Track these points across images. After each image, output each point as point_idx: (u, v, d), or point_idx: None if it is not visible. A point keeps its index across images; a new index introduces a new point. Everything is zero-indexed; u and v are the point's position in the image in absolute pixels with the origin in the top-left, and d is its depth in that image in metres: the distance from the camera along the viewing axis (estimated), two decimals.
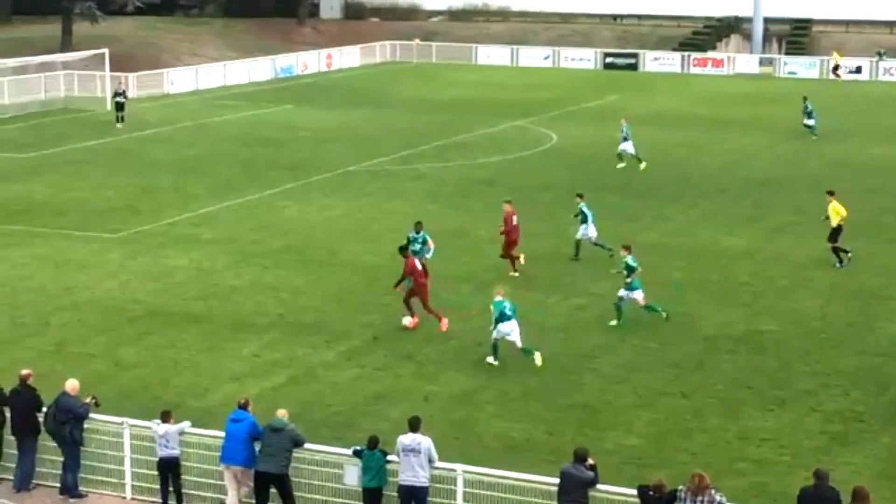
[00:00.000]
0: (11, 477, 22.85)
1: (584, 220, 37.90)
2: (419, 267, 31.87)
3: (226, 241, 39.77)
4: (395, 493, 20.75)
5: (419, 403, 25.99)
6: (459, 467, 20.71)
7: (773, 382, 27.84)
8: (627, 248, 32.26)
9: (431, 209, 44.57)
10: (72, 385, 22.61)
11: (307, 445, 21.49)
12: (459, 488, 20.55)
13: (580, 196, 38.44)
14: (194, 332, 30.96)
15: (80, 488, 22.53)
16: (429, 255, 33.91)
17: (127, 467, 22.53)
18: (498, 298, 28.85)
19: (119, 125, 62.71)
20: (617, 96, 77.20)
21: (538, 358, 28.64)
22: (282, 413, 21.63)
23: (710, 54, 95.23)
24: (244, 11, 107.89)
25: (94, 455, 22.58)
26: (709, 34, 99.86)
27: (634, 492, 19.47)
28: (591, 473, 19.74)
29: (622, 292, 31.74)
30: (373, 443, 20.96)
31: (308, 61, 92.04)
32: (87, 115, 67.98)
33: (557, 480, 19.81)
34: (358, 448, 21.12)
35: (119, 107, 63.59)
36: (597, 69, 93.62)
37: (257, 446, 21.34)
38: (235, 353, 29.48)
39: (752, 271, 36.96)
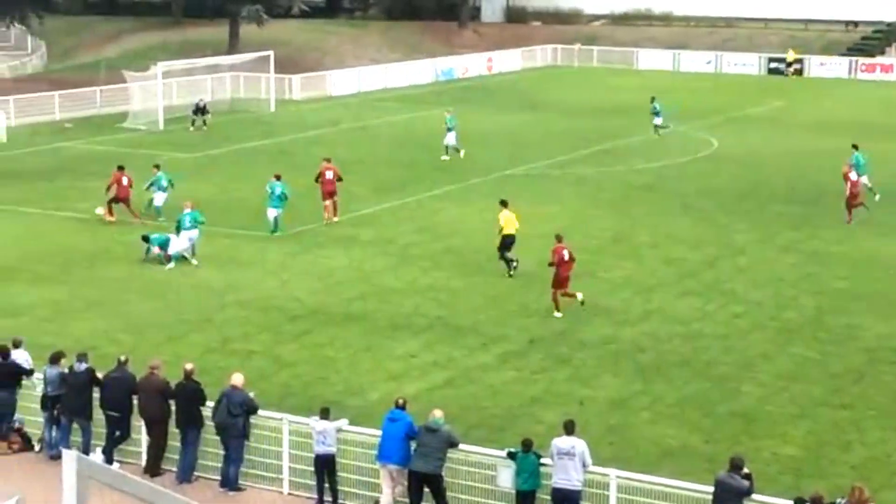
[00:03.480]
0: (175, 468, 23.45)
1: None
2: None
3: (385, 242, 40.19)
4: (549, 496, 20.79)
5: (574, 407, 25.97)
6: (613, 472, 20.66)
7: None
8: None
9: (590, 214, 44.47)
10: (240, 379, 23.13)
11: (462, 446, 21.64)
12: (613, 493, 20.50)
13: None
14: (353, 332, 31.36)
15: (240, 482, 23.01)
16: None
17: (285, 463, 22.94)
18: None
19: (191, 129, 63.61)
20: (781, 102, 76.02)
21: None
22: (438, 413, 21.80)
23: (879, 59, 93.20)
24: (406, 14, 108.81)
25: (253, 450, 23.04)
26: (878, 39, 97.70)
27: (791, 503, 19.21)
28: (746, 483, 19.54)
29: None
30: (527, 445, 21.02)
31: (469, 64, 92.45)
32: (251, 115, 69.27)
33: (712, 488, 19.64)
34: (512, 450, 21.19)
35: (200, 111, 64.61)
36: (760, 74, 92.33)
37: (413, 446, 21.55)
38: (393, 354, 29.79)
39: None
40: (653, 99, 62.93)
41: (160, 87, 65.81)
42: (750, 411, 26.33)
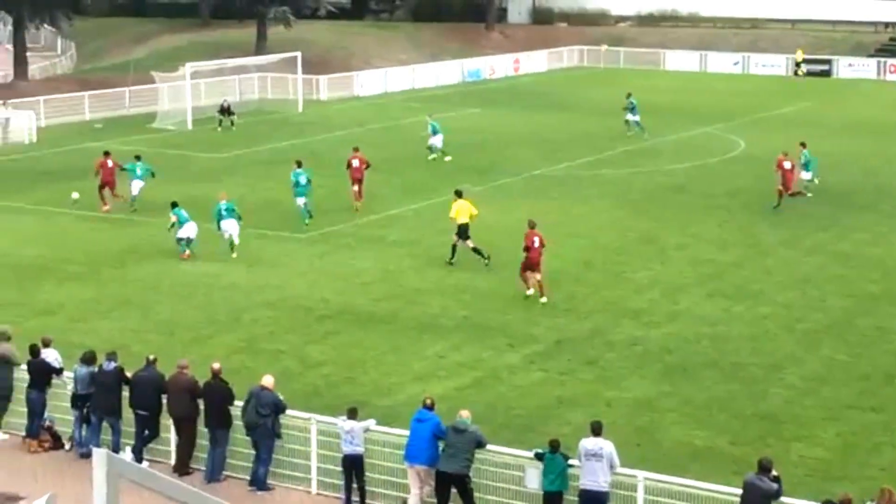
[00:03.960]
0: (203, 467, 23.54)
1: None
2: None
3: (411, 243, 40.23)
4: (576, 498, 20.78)
5: (601, 408, 25.96)
6: (641, 474, 20.64)
7: None
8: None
9: (618, 215, 44.42)
10: (269, 380, 23.23)
11: (489, 447, 21.65)
12: (640, 495, 20.48)
13: None
14: (380, 332, 31.42)
15: (268, 482, 23.08)
16: None
17: (313, 463, 23.00)
18: None
19: (218, 129, 63.90)
20: (809, 103, 75.78)
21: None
22: (465, 414, 21.83)
23: None
24: (433, 16, 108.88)
25: (281, 450, 23.12)
26: None
27: None
28: (774, 485, 19.49)
29: None
30: (554, 446, 21.02)
31: (496, 65, 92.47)
32: (279, 116, 69.44)
33: (740, 491, 19.61)
34: (540, 451, 21.19)
35: (225, 111, 64.90)
36: (788, 75, 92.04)
37: (440, 446, 21.58)
38: (420, 354, 29.83)
39: None
40: (629, 95, 63.03)
41: (189, 88, 66.10)
42: (778, 413, 26.27)
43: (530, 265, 34.10)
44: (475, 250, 37.11)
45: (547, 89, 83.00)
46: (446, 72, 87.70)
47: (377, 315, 32.85)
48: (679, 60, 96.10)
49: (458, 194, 38.20)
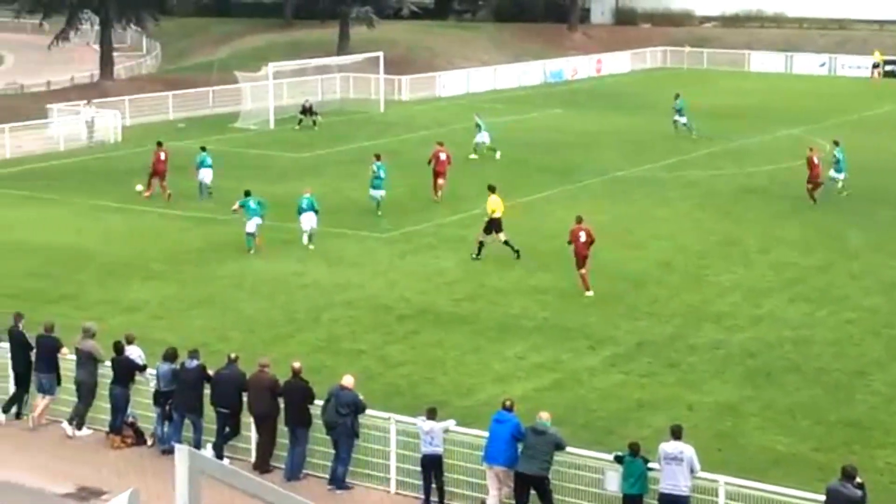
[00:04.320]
0: (283, 466, 23.66)
1: None
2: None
3: (493, 244, 40.06)
4: (656, 501, 20.64)
5: (682, 412, 25.76)
6: (722, 479, 20.47)
7: None
8: None
9: (700, 217, 44.10)
10: (349, 380, 23.29)
11: (568, 449, 21.57)
12: (721, 500, 20.31)
13: None
14: (461, 333, 31.40)
15: (347, 481, 23.14)
16: None
17: (392, 462, 23.03)
18: None
19: (297, 128, 64.37)
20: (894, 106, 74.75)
21: None
22: (545, 416, 21.76)
23: None
24: (515, 16, 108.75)
25: (361, 449, 23.17)
26: None
27: None
28: (859, 492, 19.23)
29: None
30: (634, 449, 20.89)
31: (578, 66, 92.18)
32: (361, 116, 69.67)
33: (823, 498, 19.36)
34: (619, 454, 21.08)
35: (307, 111, 65.41)
36: (875, 77, 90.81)
37: (519, 447, 21.52)
38: (501, 355, 29.77)
39: None
40: (677, 96, 62.73)
41: (271, 88, 66.51)
42: (863, 420, 25.91)
43: (578, 261, 34.62)
44: (506, 243, 37.80)
45: (630, 90, 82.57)
46: (528, 72, 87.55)
47: (458, 315, 32.84)
48: (764, 61, 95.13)
49: (492, 189, 38.97)
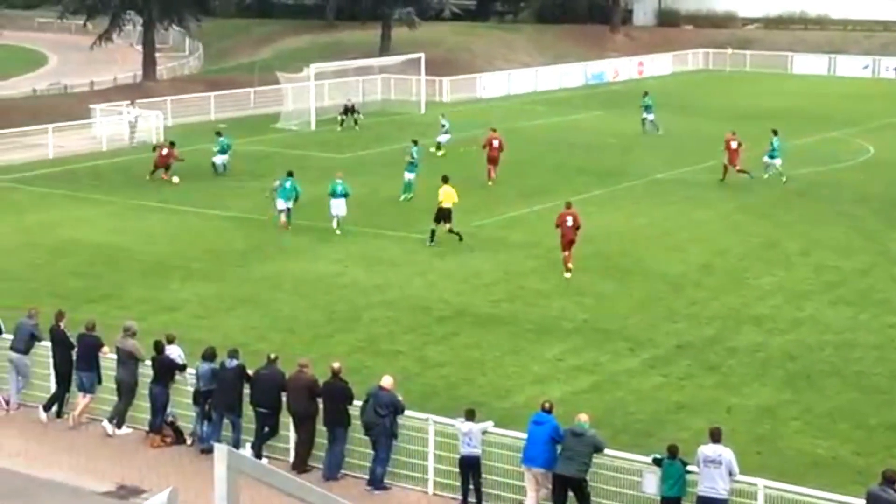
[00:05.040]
0: (321, 466, 23.72)
1: None
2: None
3: (532, 245, 40.13)
4: None
5: (721, 415, 25.67)
6: (761, 482, 20.38)
7: None
8: None
9: (740, 220, 43.92)
10: (389, 381, 23.34)
11: (607, 451, 21.53)
12: (760, 503, 20.22)
13: None
14: (499, 334, 31.39)
15: (386, 481, 23.17)
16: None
17: (430, 463, 23.05)
18: None
19: (339, 129, 64.56)
20: None
21: None
22: (583, 418, 21.73)
23: None
24: (557, 18, 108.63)
25: (399, 450, 23.20)
26: None
27: None
28: None
29: None
30: (673, 452, 20.84)
31: (619, 68, 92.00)
32: (402, 117, 69.77)
33: (863, 502, 19.26)
34: (658, 456, 21.03)
35: (349, 111, 65.66)
36: None
37: (558, 449, 21.50)
38: (539, 356, 29.75)
39: None
40: (645, 94, 63.19)
41: (312, 89, 66.71)
42: None
43: (564, 244, 36.34)
44: (451, 231, 39.64)
45: (671, 92, 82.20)
46: (569, 74, 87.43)
47: (497, 317, 32.84)
48: (807, 64, 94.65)
49: (445, 180, 40.97)
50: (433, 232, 39.73)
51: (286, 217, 41.98)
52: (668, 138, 62.20)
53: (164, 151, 51.46)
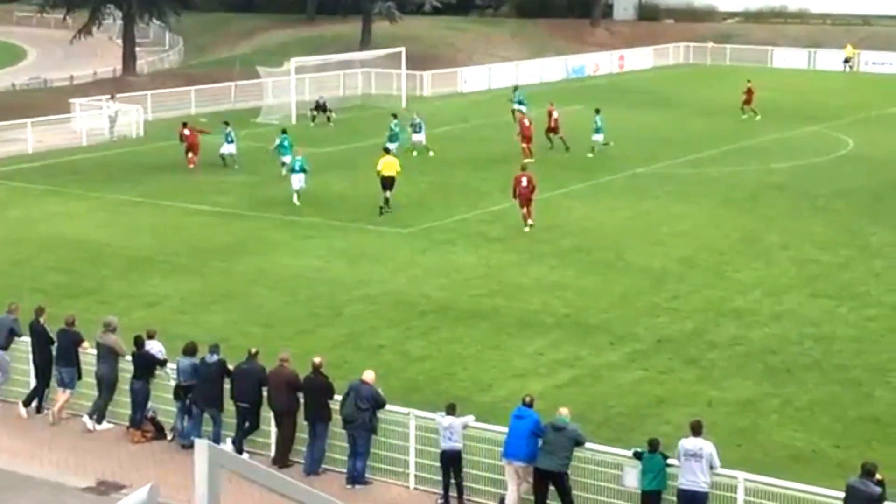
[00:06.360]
0: (302, 460, 23.72)
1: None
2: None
3: (513, 239, 40.18)
4: (675, 498, 20.65)
5: (702, 408, 25.75)
6: (741, 475, 20.47)
7: None
8: None
9: (721, 214, 44.02)
10: (371, 375, 23.36)
11: (587, 445, 21.60)
12: (740, 496, 20.32)
13: None
14: (481, 329, 31.42)
15: (367, 476, 23.19)
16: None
17: (411, 458, 23.09)
18: None
19: (311, 125, 63.97)
20: None
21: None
22: (564, 412, 21.80)
23: None
24: (538, 12, 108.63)
25: (380, 444, 23.23)
26: None
27: None
28: (878, 489, 19.22)
29: None
30: (654, 445, 20.91)
31: (600, 62, 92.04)
32: (382, 111, 69.60)
33: (843, 494, 19.35)
34: (638, 450, 21.10)
35: (320, 108, 65.25)
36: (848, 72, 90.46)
37: (539, 443, 21.54)
38: (520, 351, 29.79)
39: None
40: (597, 111, 57.18)
41: (293, 83, 66.60)
42: (882, 416, 25.88)
43: (521, 202, 40.17)
44: (386, 200, 42.79)
45: (652, 86, 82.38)
46: (550, 68, 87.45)
47: (478, 311, 32.87)
48: (787, 58, 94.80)
49: (387, 151, 45.44)
50: (387, 200, 42.87)
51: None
52: (649, 132, 62.18)
53: (187, 132, 52.55)
